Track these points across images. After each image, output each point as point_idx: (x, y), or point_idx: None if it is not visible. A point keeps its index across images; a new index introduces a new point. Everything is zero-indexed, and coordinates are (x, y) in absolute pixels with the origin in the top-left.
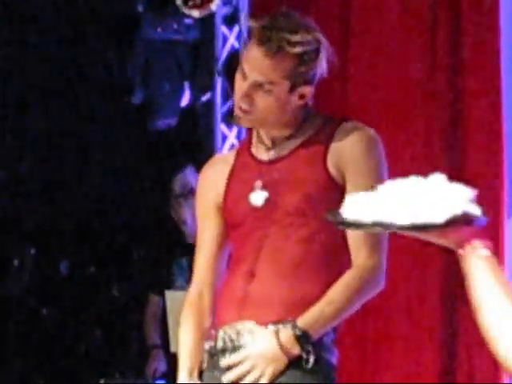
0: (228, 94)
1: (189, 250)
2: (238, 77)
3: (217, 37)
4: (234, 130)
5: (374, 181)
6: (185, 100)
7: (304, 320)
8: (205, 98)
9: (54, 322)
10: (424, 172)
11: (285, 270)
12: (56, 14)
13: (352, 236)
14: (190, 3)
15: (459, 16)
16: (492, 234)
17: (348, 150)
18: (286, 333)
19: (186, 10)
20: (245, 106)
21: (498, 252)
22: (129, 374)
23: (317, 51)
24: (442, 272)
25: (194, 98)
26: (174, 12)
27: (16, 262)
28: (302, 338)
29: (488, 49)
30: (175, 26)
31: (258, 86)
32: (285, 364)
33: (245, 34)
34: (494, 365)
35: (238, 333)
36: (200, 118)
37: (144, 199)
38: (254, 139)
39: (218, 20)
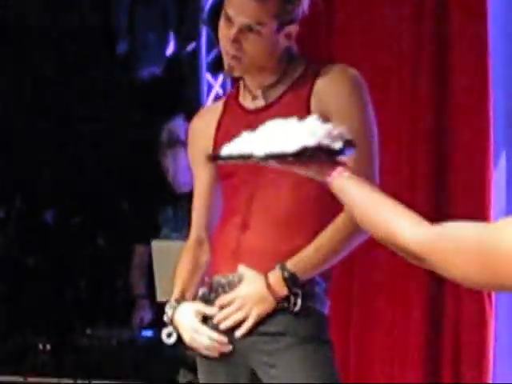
0: (213, 44)
1: (174, 199)
2: (222, 25)
3: None
4: (219, 79)
5: (359, 124)
6: (170, 49)
7: (293, 262)
8: (190, 47)
9: (40, 272)
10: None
11: (277, 221)
12: None
13: None
14: None
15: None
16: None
17: (332, 95)
18: (275, 274)
19: None
20: (235, 53)
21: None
22: (115, 323)
23: None
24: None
25: (179, 47)
26: None
27: (1, 214)
28: (290, 279)
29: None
30: None
31: (246, 29)
32: (272, 306)
33: None
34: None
35: (229, 283)
36: (185, 68)
37: (130, 149)
38: (241, 88)
39: None
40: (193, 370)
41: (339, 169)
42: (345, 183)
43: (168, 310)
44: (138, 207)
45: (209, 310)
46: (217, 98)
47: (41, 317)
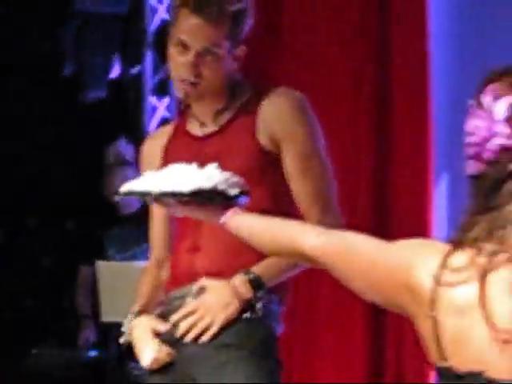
0: (158, 67)
1: (120, 220)
2: (174, 53)
3: (146, 9)
4: (165, 101)
5: (311, 149)
6: (114, 72)
7: (257, 267)
8: (134, 70)
9: None
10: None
11: (226, 241)
12: None
13: (302, 201)
14: None
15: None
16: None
17: (277, 122)
18: (239, 277)
19: None
20: (193, 79)
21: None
22: (61, 343)
23: (245, 9)
24: None
25: (124, 70)
26: None
27: None
28: (255, 281)
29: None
30: None
31: (204, 53)
32: (237, 311)
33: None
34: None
35: (186, 293)
36: (130, 91)
37: (76, 171)
38: (189, 116)
39: None
40: None
41: (234, 209)
42: (240, 218)
43: (125, 321)
44: (83, 228)
45: (161, 327)
46: (162, 120)
47: None
